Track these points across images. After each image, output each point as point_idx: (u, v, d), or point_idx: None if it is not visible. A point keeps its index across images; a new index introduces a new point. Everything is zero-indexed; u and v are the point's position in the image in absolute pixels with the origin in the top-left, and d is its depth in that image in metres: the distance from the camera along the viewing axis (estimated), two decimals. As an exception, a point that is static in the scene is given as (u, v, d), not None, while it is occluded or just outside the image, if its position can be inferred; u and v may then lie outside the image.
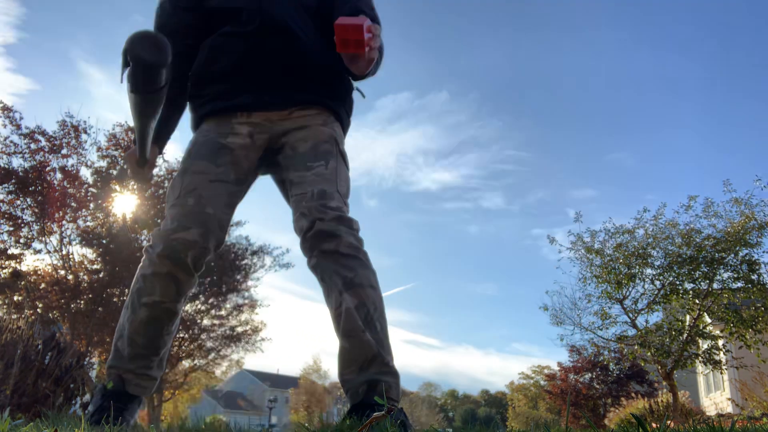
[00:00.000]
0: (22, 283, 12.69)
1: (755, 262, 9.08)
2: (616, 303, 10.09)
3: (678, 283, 9.60)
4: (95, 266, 13.45)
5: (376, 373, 1.50)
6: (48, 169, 12.76)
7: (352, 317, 1.52)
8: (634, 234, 9.85)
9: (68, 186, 12.69)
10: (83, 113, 21.12)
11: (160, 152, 1.84)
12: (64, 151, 12.79)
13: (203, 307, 17.68)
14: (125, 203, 13.62)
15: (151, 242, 1.67)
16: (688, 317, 9.94)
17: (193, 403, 29.45)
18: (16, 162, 12.50)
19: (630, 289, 9.94)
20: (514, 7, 75.48)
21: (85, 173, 13.00)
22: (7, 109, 12.17)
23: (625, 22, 66.07)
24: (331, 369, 45.74)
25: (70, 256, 13.31)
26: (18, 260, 13.02)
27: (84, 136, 12.80)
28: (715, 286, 9.46)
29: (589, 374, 23.05)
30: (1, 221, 12.56)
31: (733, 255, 9.15)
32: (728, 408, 14.45)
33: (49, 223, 12.94)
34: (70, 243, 13.27)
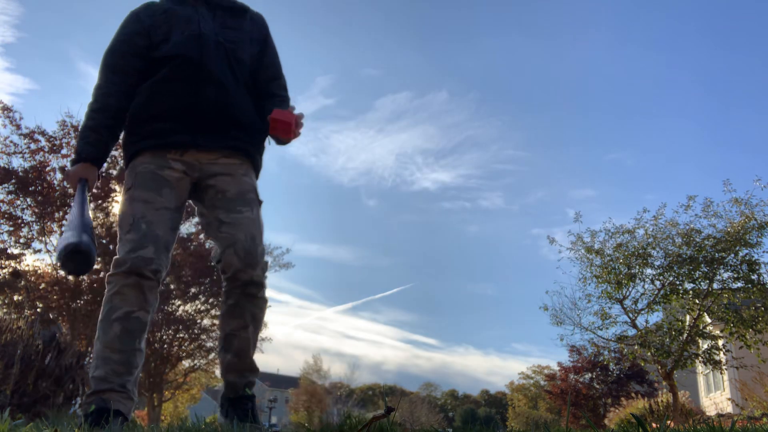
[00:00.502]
0: (22, 282, 12.69)
1: (755, 262, 9.06)
2: (616, 303, 10.07)
3: (678, 283, 9.59)
4: (95, 266, 13.45)
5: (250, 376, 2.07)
6: (48, 169, 12.79)
7: (248, 342, 2.03)
8: (634, 234, 9.84)
9: (68, 186, 12.70)
10: (83, 113, 21.09)
11: (99, 170, 2.10)
12: (63, 151, 12.82)
13: (203, 307, 17.71)
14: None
15: (112, 270, 1.89)
16: (688, 317, 9.93)
17: (193, 403, 29.43)
18: (16, 162, 12.54)
19: (630, 289, 9.92)
20: (514, 7, 75.40)
21: (85, 173, 13.01)
22: (7, 109, 12.20)
23: (625, 22, 66.03)
24: (332, 369, 45.71)
25: (70, 256, 13.30)
26: (18, 260, 13.04)
27: (84, 136, 12.82)
28: (715, 286, 9.44)
29: (589, 374, 23.07)
30: (1, 221, 12.57)
31: (733, 255, 9.14)
32: (728, 408, 14.45)
33: (49, 223, 12.96)
34: (70, 243, 13.27)
